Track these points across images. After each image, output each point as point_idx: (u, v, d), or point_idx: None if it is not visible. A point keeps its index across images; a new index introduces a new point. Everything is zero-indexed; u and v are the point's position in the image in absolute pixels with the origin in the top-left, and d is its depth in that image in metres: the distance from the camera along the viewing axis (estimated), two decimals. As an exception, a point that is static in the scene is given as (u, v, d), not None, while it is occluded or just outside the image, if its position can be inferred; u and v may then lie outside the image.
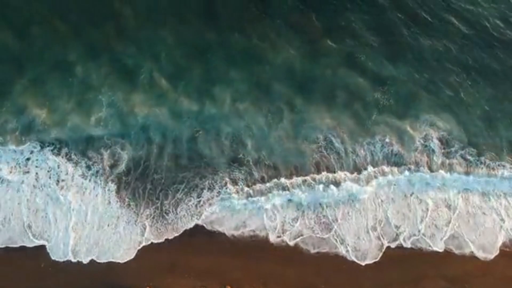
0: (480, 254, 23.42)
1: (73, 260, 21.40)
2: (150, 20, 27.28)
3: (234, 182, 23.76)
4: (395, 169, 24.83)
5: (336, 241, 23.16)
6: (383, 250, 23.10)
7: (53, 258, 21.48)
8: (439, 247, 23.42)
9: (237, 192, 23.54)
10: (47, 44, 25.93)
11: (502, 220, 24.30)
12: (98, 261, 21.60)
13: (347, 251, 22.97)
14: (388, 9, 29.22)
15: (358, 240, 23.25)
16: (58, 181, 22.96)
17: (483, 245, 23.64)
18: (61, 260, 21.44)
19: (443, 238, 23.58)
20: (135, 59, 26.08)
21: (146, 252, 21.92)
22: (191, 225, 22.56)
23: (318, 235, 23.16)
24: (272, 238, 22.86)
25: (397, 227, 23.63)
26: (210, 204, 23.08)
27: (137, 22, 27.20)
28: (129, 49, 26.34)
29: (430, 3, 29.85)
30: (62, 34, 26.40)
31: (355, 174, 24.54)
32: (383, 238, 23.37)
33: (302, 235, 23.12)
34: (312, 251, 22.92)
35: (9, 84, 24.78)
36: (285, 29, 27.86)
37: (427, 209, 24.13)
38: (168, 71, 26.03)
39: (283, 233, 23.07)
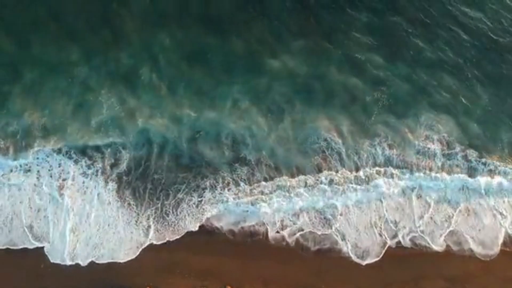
0: (480, 251, 23.42)
1: (71, 263, 21.35)
2: (148, 24, 27.22)
3: (236, 182, 23.72)
4: (396, 170, 24.77)
5: (337, 236, 23.17)
6: (386, 247, 23.07)
7: (51, 261, 21.46)
8: (438, 244, 23.39)
9: (239, 192, 23.51)
10: (44, 48, 25.87)
11: (503, 215, 24.30)
12: (98, 262, 21.57)
13: (348, 247, 22.96)
14: (387, 10, 29.12)
15: (360, 237, 23.27)
16: (58, 180, 22.90)
17: (483, 243, 23.62)
18: (60, 263, 21.42)
19: (443, 234, 23.56)
20: (134, 62, 26.03)
21: (146, 252, 21.91)
22: (195, 228, 22.52)
23: (319, 231, 23.17)
24: (271, 234, 22.87)
25: (396, 224, 23.64)
26: (211, 204, 23.05)
27: (135, 25, 27.14)
28: (128, 52, 26.26)
29: (430, 4, 29.69)
30: (59, 37, 26.35)
31: (357, 174, 24.49)
32: (385, 235, 23.37)
33: (302, 230, 23.13)
34: (313, 248, 22.94)
35: (8, 87, 24.79)
36: (284, 29, 27.80)
37: (428, 208, 24.14)
38: (167, 73, 25.96)
39: (282, 228, 23.08)
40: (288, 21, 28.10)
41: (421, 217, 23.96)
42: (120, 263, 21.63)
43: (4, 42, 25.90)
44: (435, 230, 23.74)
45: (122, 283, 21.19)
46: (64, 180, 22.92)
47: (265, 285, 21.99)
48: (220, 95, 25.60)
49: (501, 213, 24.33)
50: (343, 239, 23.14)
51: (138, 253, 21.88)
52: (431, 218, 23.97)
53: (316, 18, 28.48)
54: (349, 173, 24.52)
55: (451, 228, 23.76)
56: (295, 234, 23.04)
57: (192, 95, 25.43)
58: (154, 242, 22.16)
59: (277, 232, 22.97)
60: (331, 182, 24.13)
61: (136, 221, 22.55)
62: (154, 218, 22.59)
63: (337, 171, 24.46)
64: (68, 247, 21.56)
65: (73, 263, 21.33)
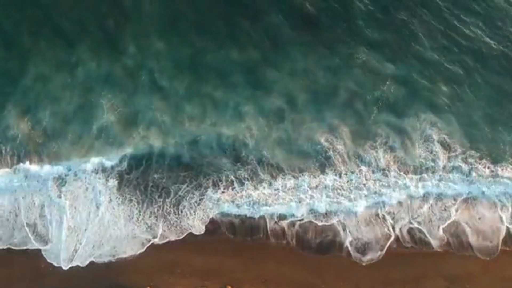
0: (479, 244, 23.46)
1: (70, 266, 21.37)
2: (150, 28, 26.98)
3: (240, 181, 23.68)
4: (397, 171, 24.68)
5: (338, 226, 23.29)
6: (388, 242, 23.13)
7: (49, 261, 21.53)
8: (438, 237, 23.40)
9: (242, 191, 23.53)
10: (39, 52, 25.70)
11: (503, 210, 24.30)
12: (98, 261, 21.64)
13: (349, 240, 23.05)
14: (388, 11, 28.88)
15: (360, 229, 23.39)
16: (59, 177, 22.89)
17: (483, 235, 23.69)
18: (58, 265, 21.47)
19: (441, 226, 23.59)
20: (135, 65, 25.86)
21: (147, 252, 21.94)
22: (200, 231, 22.57)
23: (320, 223, 23.23)
24: (270, 225, 22.95)
25: (395, 216, 23.74)
26: (214, 204, 23.10)
27: (136, 29, 26.95)
28: (129, 54, 26.09)
29: (430, 3, 29.41)
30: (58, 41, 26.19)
31: (358, 174, 24.42)
32: (387, 227, 23.44)
33: (302, 220, 23.20)
34: (313, 241, 23.01)
35: (8, 88, 24.66)
36: (284, 30, 27.55)
37: (427, 203, 24.24)
38: (167, 75, 25.81)
39: (281, 219, 23.20)
40: (287, 22, 27.78)
41: (421, 209, 24.04)
42: (120, 263, 21.69)
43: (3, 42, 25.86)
44: (435, 221, 23.78)
45: (122, 283, 21.27)
46: (66, 175, 22.94)
47: (265, 285, 22.05)
48: (221, 96, 25.48)
49: (501, 210, 24.32)
50: (344, 229, 23.23)
51: (143, 251, 21.95)
52: (429, 209, 24.08)
53: (316, 18, 28.21)
54: (350, 173, 24.42)
55: (450, 220, 23.81)
56: (294, 225, 23.10)
57: (193, 96, 25.34)
58: (156, 242, 22.18)
59: (276, 223, 23.07)
60: (333, 181, 24.13)
61: (138, 219, 22.53)
62: (156, 217, 22.59)
63: (338, 172, 24.40)
64: (66, 251, 21.53)
65: (70, 266, 21.36)
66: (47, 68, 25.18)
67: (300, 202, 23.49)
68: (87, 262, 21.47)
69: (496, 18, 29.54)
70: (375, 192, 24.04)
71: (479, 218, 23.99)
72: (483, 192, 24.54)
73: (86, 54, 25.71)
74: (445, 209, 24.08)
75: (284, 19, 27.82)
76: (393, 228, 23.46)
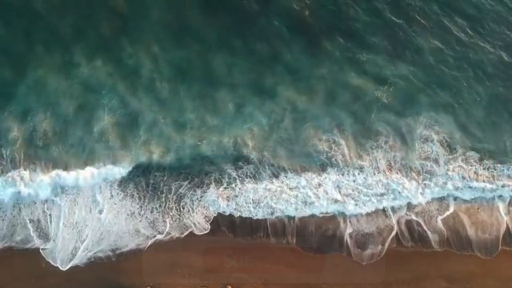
0: (480, 236, 23.53)
1: (72, 265, 21.44)
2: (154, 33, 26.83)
3: (241, 180, 23.70)
4: (397, 171, 24.65)
5: (339, 215, 23.44)
6: (391, 235, 23.28)
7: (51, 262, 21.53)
8: (437, 230, 23.49)
9: (243, 189, 23.56)
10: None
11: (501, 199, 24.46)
12: (99, 256, 21.75)
13: (349, 231, 23.18)
14: (388, 11, 28.76)
15: (361, 220, 23.56)
16: (59, 178, 22.84)
17: (483, 232, 23.77)
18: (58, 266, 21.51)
19: (439, 217, 23.71)
20: (136, 66, 25.64)
21: (147, 252, 22.01)
22: (205, 229, 22.65)
23: (320, 214, 23.40)
24: (270, 219, 23.04)
25: (394, 207, 23.92)
26: (216, 201, 23.17)
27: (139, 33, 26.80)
28: (130, 55, 25.89)
29: (430, 3, 29.27)
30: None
31: (360, 173, 24.40)
32: (389, 216, 23.64)
33: None
34: (313, 235, 23.11)
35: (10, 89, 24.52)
36: (284, 30, 27.42)
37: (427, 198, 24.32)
38: (169, 73, 25.73)
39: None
40: (287, 24, 27.57)
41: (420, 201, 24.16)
42: (120, 262, 21.76)
43: (5, 41, 25.63)
44: (433, 212, 23.91)
45: (122, 283, 21.35)
46: (66, 176, 22.89)
47: (265, 285, 22.13)
48: (222, 96, 25.36)
49: (500, 202, 24.43)
50: (345, 220, 23.36)
51: (137, 253, 21.97)
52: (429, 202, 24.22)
53: (316, 18, 28.03)
54: (352, 173, 24.38)
55: (449, 212, 23.95)
56: (294, 218, 23.24)
57: (194, 99, 25.23)
58: (160, 237, 22.25)
59: (276, 216, 23.15)
60: (335, 181, 24.14)
61: (140, 214, 22.60)
62: (159, 213, 22.67)
63: (340, 171, 24.38)
64: (64, 251, 21.57)
65: (70, 265, 21.42)
66: (46, 72, 24.97)
67: (301, 201, 23.53)
68: (89, 256, 21.55)
69: (494, 21, 29.37)
70: (377, 193, 24.07)
71: (478, 209, 24.07)
72: (483, 190, 24.58)
73: (85, 58, 25.50)
74: (443, 200, 24.21)
75: (283, 22, 27.67)
76: (392, 219, 23.63)
